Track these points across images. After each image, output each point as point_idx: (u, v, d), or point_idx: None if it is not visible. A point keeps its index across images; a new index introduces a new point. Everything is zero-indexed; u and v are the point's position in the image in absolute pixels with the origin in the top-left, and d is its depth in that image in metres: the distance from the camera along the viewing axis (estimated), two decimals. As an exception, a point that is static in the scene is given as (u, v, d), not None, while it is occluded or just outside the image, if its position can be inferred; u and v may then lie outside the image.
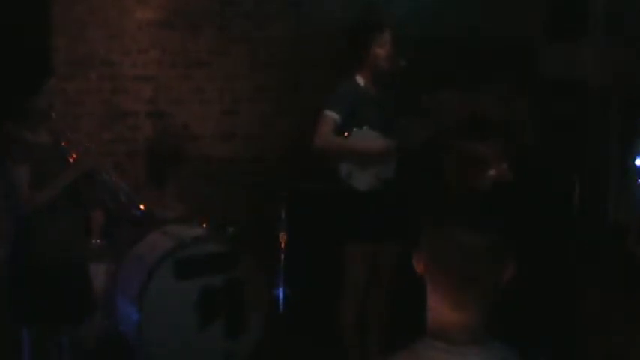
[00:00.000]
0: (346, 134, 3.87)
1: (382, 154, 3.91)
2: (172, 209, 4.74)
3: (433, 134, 3.99)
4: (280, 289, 4.29)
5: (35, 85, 3.37)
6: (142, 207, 3.75)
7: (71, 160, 3.44)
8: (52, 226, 3.37)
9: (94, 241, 4.48)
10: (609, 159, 4.13)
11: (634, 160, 4.30)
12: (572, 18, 4.24)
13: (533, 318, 3.79)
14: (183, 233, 4.23)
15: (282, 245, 4.20)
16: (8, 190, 3.35)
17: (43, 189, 3.30)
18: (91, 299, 3.64)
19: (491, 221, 1.43)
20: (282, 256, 4.22)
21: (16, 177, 3.28)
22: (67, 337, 3.53)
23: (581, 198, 4.21)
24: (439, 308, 1.44)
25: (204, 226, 4.43)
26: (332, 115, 3.84)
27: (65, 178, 3.36)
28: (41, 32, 4.87)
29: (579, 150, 4.31)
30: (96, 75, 5.26)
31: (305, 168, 4.76)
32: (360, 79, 3.96)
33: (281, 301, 4.24)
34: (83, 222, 3.62)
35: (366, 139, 3.91)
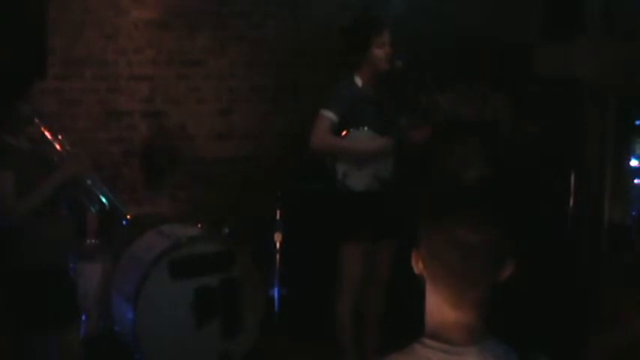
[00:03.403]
0: (344, 133, 3.86)
1: (378, 153, 3.90)
2: (169, 208, 4.73)
3: (431, 134, 3.99)
4: (276, 289, 4.27)
5: (21, 90, 3.29)
6: (128, 216, 3.64)
7: (53, 167, 3.37)
8: (37, 231, 3.28)
9: (88, 241, 4.46)
10: (606, 159, 4.14)
11: (629, 160, 4.30)
12: (569, 18, 4.25)
13: (533, 318, 3.79)
14: (179, 233, 4.21)
15: (278, 245, 4.19)
16: None
17: (26, 196, 3.21)
18: (76, 304, 3.57)
19: (489, 220, 1.42)
20: (278, 256, 4.21)
21: (0, 183, 3.20)
22: (54, 340, 3.46)
23: (577, 197, 4.21)
24: (437, 308, 1.44)
25: (200, 225, 4.41)
26: (328, 114, 3.84)
27: (48, 185, 3.27)
28: (35, 33, 4.81)
29: (576, 149, 4.32)
30: (92, 74, 5.23)
31: (301, 168, 4.75)
32: (359, 80, 3.94)
33: (277, 301, 4.23)
34: (70, 226, 3.53)
35: (363, 138, 3.90)
